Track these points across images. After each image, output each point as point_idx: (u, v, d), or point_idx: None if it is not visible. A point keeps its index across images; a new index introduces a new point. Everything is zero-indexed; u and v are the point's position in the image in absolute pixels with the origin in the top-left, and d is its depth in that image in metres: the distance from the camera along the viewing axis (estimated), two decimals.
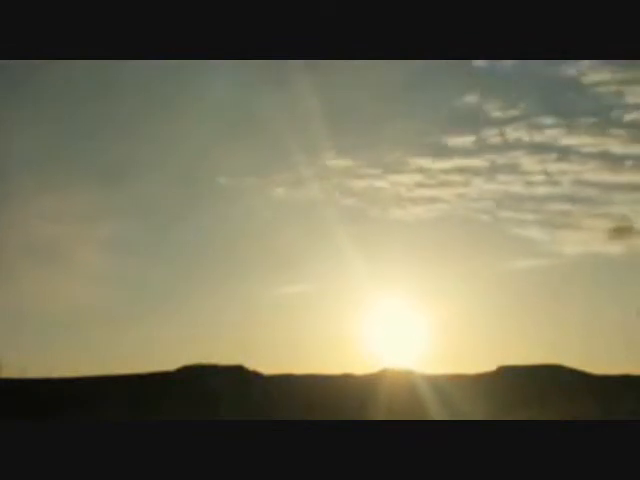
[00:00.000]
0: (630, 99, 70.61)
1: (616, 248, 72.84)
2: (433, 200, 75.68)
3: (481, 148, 73.83)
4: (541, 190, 73.49)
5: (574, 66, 71.92)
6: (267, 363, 76.99)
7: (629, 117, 71.10)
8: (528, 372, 63.61)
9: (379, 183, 75.81)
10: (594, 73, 71.15)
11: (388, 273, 78.27)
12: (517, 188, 73.62)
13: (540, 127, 72.67)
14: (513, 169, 73.42)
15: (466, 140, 74.43)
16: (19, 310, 77.32)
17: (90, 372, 61.96)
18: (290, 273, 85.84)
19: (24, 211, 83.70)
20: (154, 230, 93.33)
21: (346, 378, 63.56)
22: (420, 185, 75.65)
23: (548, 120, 72.95)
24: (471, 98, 75.02)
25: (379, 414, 50.69)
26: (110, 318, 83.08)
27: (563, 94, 75.76)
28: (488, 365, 66.66)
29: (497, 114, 74.49)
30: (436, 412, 52.97)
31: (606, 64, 69.17)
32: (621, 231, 70.26)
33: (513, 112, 74.81)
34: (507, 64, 72.71)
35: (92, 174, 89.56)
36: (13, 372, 59.75)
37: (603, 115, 72.86)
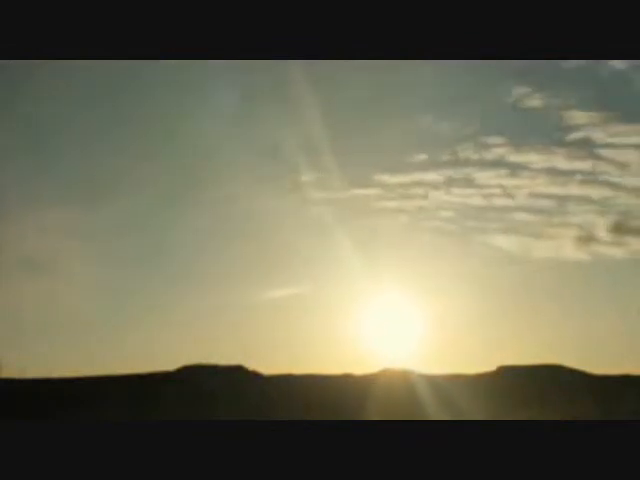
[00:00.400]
0: (569, 122, 78.02)
1: (582, 255, 79.59)
2: (401, 211, 78.82)
3: (436, 164, 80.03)
4: (500, 202, 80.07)
5: (512, 93, 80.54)
6: (267, 363, 77.15)
7: (571, 137, 78.52)
8: (528, 372, 63.66)
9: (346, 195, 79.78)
10: (530, 99, 79.62)
11: (386, 275, 79.48)
12: (477, 200, 80.00)
13: (488, 146, 79.60)
14: (469, 183, 79.33)
15: (421, 157, 79.95)
16: (19, 313, 77.52)
17: (90, 372, 62.07)
18: (288, 275, 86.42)
19: (22, 224, 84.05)
20: (153, 234, 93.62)
21: (346, 378, 63.61)
22: (383, 198, 79.28)
23: (496, 140, 79.88)
24: (424, 119, 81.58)
25: (379, 414, 50.70)
26: (111, 319, 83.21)
27: (506, 117, 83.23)
28: (488, 365, 66.86)
29: (448, 134, 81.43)
30: (436, 412, 52.99)
31: (540, 91, 77.41)
32: (585, 239, 77.32)
33: (463, 132, 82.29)
34: (454, 90, 79.14)
35: (89, 186, 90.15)
36: (13, 372, 59.84)
37: (545, 135, 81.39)
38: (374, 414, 51.20)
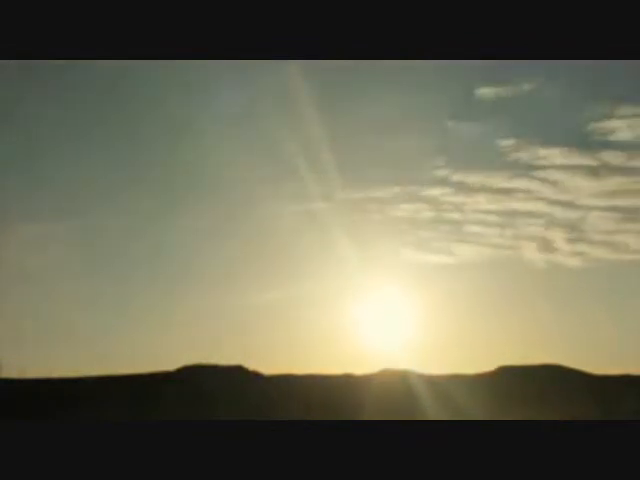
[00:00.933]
0: (498, 148, 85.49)
1: (541, 262, 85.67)
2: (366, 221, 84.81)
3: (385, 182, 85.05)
4: (450, 216, 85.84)
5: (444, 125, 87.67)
6: (267, 363, 77.18)
7: (503, 160, 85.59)
8: (528, 372, 63.67)
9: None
10: (456, 130, 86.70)
11: (386, 276, 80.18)
12: (427, 214, 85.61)
13: (431, 168, 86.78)
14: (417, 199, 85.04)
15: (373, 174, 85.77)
16: (20, 313, 77.59)
17: (90, 372, 62.06)
18: (287, 275, 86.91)
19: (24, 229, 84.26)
20: (153, 235, 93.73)
21: (346, 378, 63.59)
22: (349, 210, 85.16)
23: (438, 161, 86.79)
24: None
25: (379, 414, 50.69)
26: (111, 320, 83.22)
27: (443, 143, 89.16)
28: (488, 365, 66.93)
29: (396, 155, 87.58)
30: (436, 412, 52.99)
31: (469, 118, 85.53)
32: (542, 249, 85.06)
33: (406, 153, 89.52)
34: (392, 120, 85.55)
35: (88, 189, 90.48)
36: (13, 372, 59.85)
37: (482, 158, 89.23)
38: (374, 414, 51.17)
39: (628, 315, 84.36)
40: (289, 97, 77.06)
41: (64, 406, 52.94)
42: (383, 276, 79.40)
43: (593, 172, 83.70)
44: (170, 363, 64.38)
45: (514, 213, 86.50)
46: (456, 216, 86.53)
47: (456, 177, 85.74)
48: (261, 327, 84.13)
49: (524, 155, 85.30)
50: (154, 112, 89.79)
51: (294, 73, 72.20)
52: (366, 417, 50.61)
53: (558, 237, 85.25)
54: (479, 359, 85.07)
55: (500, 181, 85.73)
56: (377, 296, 74.68)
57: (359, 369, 65.59)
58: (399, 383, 60.18)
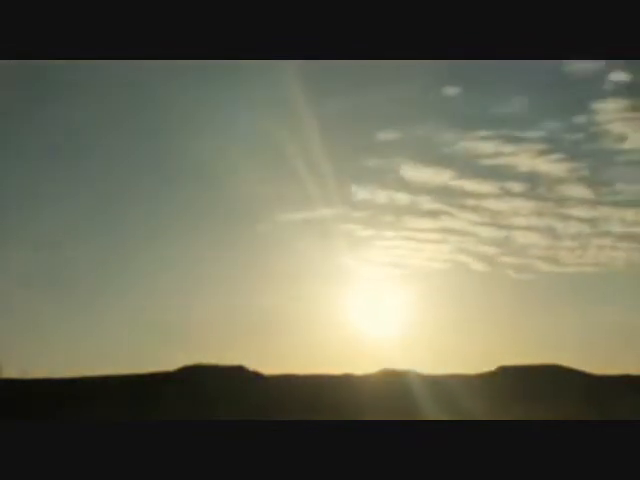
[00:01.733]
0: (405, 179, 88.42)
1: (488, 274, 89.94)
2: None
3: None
4: (388, 234, 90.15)
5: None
6: (267, 363, 77.31)
7: (417, 187, 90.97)
8: (528, 372, 63.74)
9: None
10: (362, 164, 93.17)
11: (385, 277, 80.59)
12: (368, 232, 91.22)
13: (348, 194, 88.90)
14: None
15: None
16: (21, 313, 77.72)
17: (90, 372, 62.10)
18: (286, 277, 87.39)
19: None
20: (154, 237, 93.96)
21: (346, 378, 63.63)
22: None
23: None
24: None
25: (379, 414, 50.72)
26: (111, 320, 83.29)
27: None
28: (488, 365, 67.04)
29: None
30: (436, 412, 53.01)
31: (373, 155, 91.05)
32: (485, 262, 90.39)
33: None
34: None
35: (94, 196, 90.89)
36: (13, 372, 59.90)
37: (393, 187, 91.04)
38: (374, 414, 51.20)
39: (588, 320, 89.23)
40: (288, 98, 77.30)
41: (64, 406, 52.97)
42: (386, 277, 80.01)
43: (500, 199, 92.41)
44: (170, 363, 64.49)
45: (446, 231, 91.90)
46: (391, 234, 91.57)
47: (379, 200, 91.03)
48: (261, 328, 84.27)
49: (432, 184, 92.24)
50: (154, 113, 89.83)
51: (293, 73, 72.42)
52: (366, 417, 50.63)
53: (493, 252, 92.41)
54: (479, 359, 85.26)
55: (422, 203, 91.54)
56: (378, 297, 74.98)
57: (359, 369, 65.75)
58: (399, 383, 60.24)
